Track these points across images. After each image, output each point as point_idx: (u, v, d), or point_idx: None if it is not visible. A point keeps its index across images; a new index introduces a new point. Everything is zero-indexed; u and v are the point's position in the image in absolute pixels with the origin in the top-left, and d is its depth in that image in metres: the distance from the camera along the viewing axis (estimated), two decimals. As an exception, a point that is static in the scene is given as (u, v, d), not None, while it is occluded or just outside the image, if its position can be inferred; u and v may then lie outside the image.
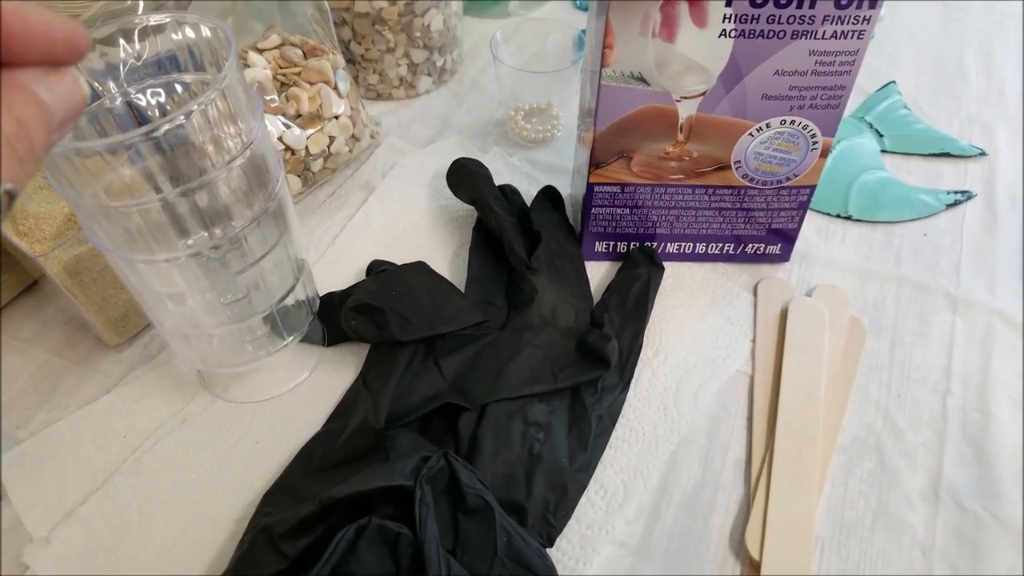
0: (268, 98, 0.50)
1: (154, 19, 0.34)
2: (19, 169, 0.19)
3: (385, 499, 0.35)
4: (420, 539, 0.34)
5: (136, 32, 0.34)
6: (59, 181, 0.31)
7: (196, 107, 0.30)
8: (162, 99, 0.37)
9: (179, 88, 0.37)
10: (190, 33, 0.35)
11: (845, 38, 0.39)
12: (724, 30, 0.38)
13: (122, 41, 0.34)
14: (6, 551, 0.38)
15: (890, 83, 0.67)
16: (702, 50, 0.39)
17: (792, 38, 0.39)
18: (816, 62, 0.40)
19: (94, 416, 0.43)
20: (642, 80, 0.41)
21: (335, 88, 0.53)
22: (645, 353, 0.46)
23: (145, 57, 0.35)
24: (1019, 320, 0.49)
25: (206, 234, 0.34)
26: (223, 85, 0.31)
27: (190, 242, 0.34)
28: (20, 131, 0.19)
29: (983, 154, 0.61)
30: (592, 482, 0.40)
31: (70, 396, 0.45)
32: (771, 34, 0.39)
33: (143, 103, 0.36)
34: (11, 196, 0.19)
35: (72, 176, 0.30)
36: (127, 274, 0.35)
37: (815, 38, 0.39)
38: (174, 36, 0.35)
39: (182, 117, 0.30)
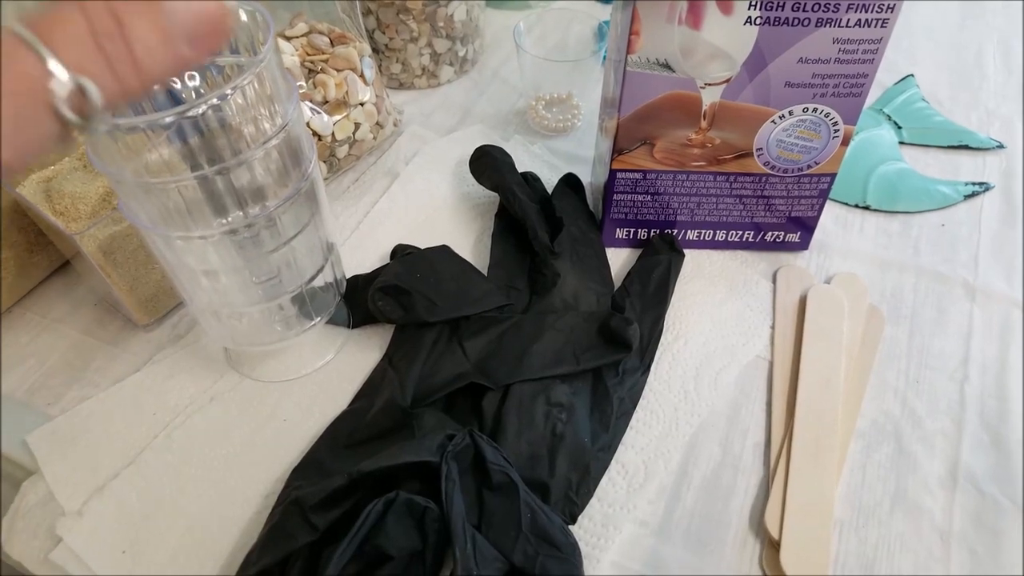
0: (296, 84, 0.51)
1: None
2: (104, 69, 0.18)
3: (412, 475, 0.36)
4: (446, 514, 0.34)
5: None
6: (101, 157, 0.32)
7: (233, 88, 0.31)
8: (197, 83, 0.37)
9: (214, 72, 0.37)
10: (228, 17, 0.35)
11: (869, 26, 0.39)
12: (750, 17, 0.39)
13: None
14: (39, 524, 0.39)
15: (908, 76, 0.67)
16: (727, 37, 0.40)
17: (816, 26, 0.39)
18: (840, 50, 0.40)
19: (124, 394, 0.44)
20: (667, 67, 0.41)
21: (361, 75, 0.53)
22: (665, 338, 0.47)
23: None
24: (1037, 310, 0.49)
25: (241, 213, 0.35)
26: (261, 67, 0.31)
27: (226, 220, 0.35)
28: (115, 29, 0.18)
29: (1001, 146, 0.61)
30: (613, 462, 0.41)
31: (101, 374, 0.45)
32: (796, 21, 0.39)
33: (178, 87, 0.37)
34: (83, 92, 0.18)
35: (114, 152, 0.31)
36: (163, 251, 0.36)
37: (839, 26, 0.39)
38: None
39: (219, 98, 0.30)
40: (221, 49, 0.20)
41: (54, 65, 0.17)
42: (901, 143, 0.61)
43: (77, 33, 0.18)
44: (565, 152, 0.60)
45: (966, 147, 0.61)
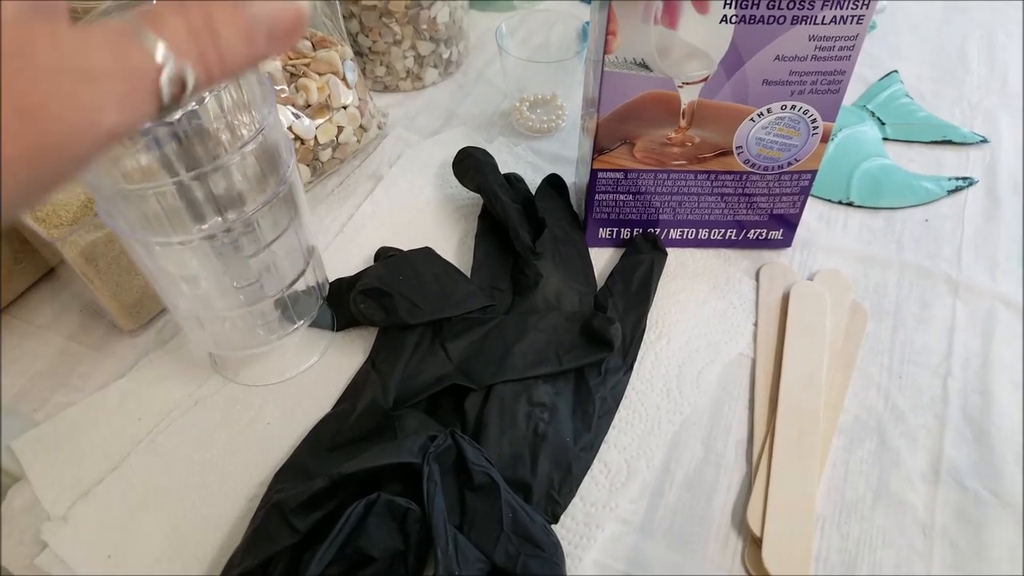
0: (278, 88, 0.51)
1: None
2: (197, 61, 0.20)
3: (394, 476, 0.36)
4: (428, 515, 0.34)
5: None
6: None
7: (210, 93, 0.31)
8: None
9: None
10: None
11: (845, 23, 0.40)
12: (725, 16, 0.39)
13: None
14: (25, 529, 0.39)
15: (892, 72, 0.67)
16: (703, 36, 0.40)
17: (792, 23, 0.40)
18: (816, 47, 0.41)
19: (109, 399, 0.44)
20: (644, 66, 0.41)
21: (343, 79, 0.54)
22: (648, 336, 0.47)
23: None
24: (1019, 304, 0.49)
25: (220, 218, 0.35)
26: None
27: (204, 226, 0.35)
28: (206, 26, 0.20)
29: (984, 141, 0.61)
30: (596, 461, 0.41)
31: (86, 380, 0.46)
32: (771, 19, 0.39)
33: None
34: (183, 83, 0.20)
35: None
36: (143, 257, 0.36)
37: (815, 23, 0.40)
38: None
39: (195, 103, 0.31)
40: (295, 45, 0.23)
41: (163, 53, 0.20)
42: (884, 139, 0.61)
43: (177, 27, 0.20)
44: (549, 153, 0.60)
45: (949, 142, 0.61)
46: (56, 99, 0.18)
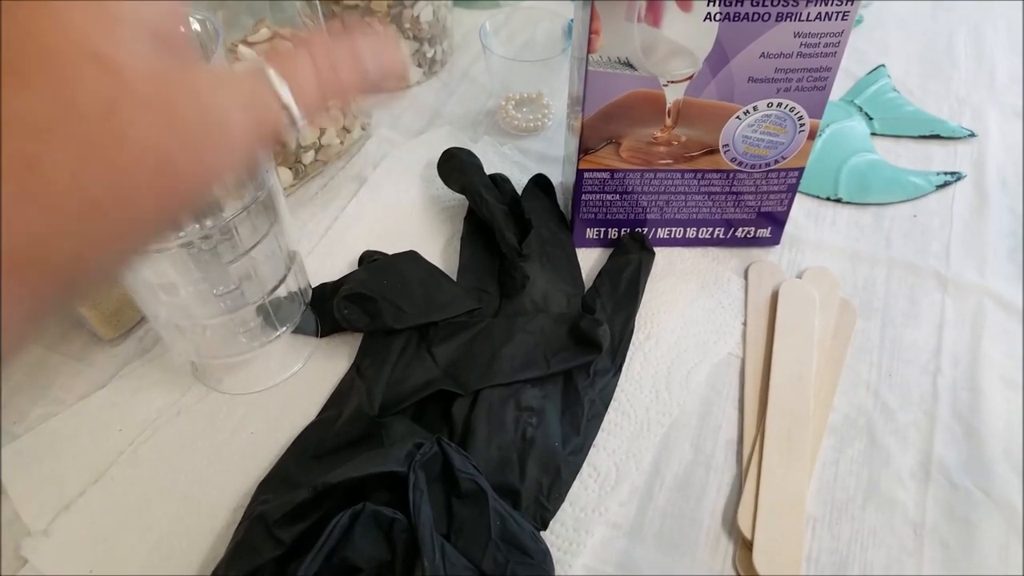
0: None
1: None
2: (316, 102, 0.22)
3: (379, 485, 0.36)
4: (414, 524, 0.34)
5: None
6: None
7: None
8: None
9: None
10: (177, 26, 0.35)
11: (829, 19, 0.39)
12: (709, 13, 0.39)
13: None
14: (5, 545, 0.38)
15: (879, 67, 0.67)
16: (688, 34, 0.40)
17: (777, 20, 0.39)
18: (801, 44, 0.40)
19: (90, 410, 0.44)
20: (629, 65, 0.41)
21: (325, 80, 0.53)
22: (637, 337, 0.46)
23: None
24: (1009, 299, 0.49)
25: (197, 225, 0.34)
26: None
27: (181, 233, 0.34)
28: (331, 74, 0.22)
29: (973, 135, 0.61)
30: (585, 465, 0.41)
31: (66, 391, 0.45)
32: (756, 17, 0.39)
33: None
34: (293, 119, 0.21)
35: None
36: (119, 266, 0.36)
37: (799, 20, 0.39)
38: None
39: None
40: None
41: (290, 101, 0.21)
42: (873, 134, 0.61)
43: (305, 76, 0.22)
44: (536, 152, 0.60)
45: (938, 137, 0.61)
46: (193, 149, 0.18)
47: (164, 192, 0.18)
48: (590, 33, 0.40)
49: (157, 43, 0.18)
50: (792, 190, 0.48)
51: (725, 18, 0.39)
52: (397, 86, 0.26)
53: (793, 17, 0.39)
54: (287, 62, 0.21)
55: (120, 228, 0.18)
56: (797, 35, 0.40)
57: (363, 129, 0.58)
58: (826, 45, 0.40)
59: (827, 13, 0.39)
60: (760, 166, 0.47)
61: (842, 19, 0.39)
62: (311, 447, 0.40)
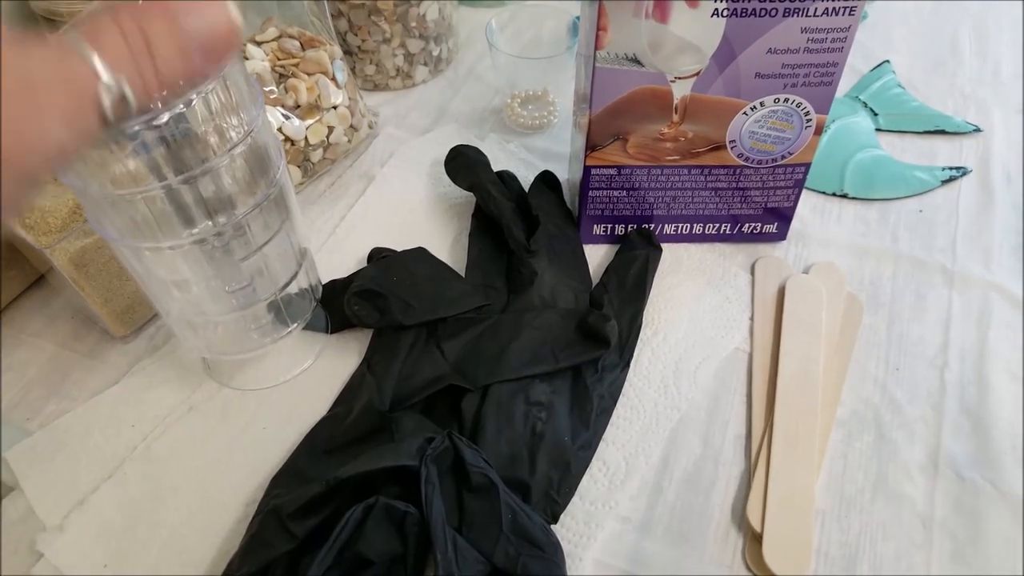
0: (267, 89, 0.50)
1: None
2: (134, 75, 0.21)
3: (391, 479, 0.36)
4: (426, 517, 0.34)
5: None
6: (66, 172, 0.31)
7: (197, 95, 0.30)
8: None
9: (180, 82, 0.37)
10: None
11: (837, 15, 0.39)
12: (716, 9, 0.39)
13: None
14: (20, 540, 0.39)
15: (884, 63, 0.67)
16: (695, 30, 0.40)
17: (784, 16, 0.39)
18: (808, 39, 0.40)
19: (103, 406, 0.44)
20: (636, 62, 0.41)
21: (333, 79, 0.53)
22: (644, 333, 0.47)
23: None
24: (1016, 294, 0.49)
25: (209, 222, 0.34)
26: (223, 74, 0.31)
27: (194, 230, 0.34)
28: (142, 44, 0.20)
29: (978, 130, 0.61)
30: (595, 459, 0.41)
31: (79, 388, 0.45)
32: (763, 12, 0.39)
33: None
34: (124, 99, 0.20)
35: (79, 167, 0.31)
36: (132, 263, 0.36)
37: (807, 15, 0.39)
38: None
39: (183, 105, 0.30)
40: (230, 60, 0.25)
41: (100, 68, 0.20)
42: (878, 130, 0.61)
43: (114, 42, 0.20)
44: (542, 149, 0.60)
45: (943, 132, 0.61)
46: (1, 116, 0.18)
47: None
48: (597, 30, 0.40)
49: None
50: (799, 185, 0.48)
51: (732, 14, 0.39)
52: (229, 47, 0.23)
53: (800, 12, 0.39)
54: (93, 33, 0.20)
55: None
56: (804, 30, 0.40)
57: (370, 127, 0.59)
58: (833, 40, 0.41)
59: (834, 8, 0.39)
60: (767, 162, 0.47)
61: (849, 14, 0.39)
62: (322, 442, 0.41)
